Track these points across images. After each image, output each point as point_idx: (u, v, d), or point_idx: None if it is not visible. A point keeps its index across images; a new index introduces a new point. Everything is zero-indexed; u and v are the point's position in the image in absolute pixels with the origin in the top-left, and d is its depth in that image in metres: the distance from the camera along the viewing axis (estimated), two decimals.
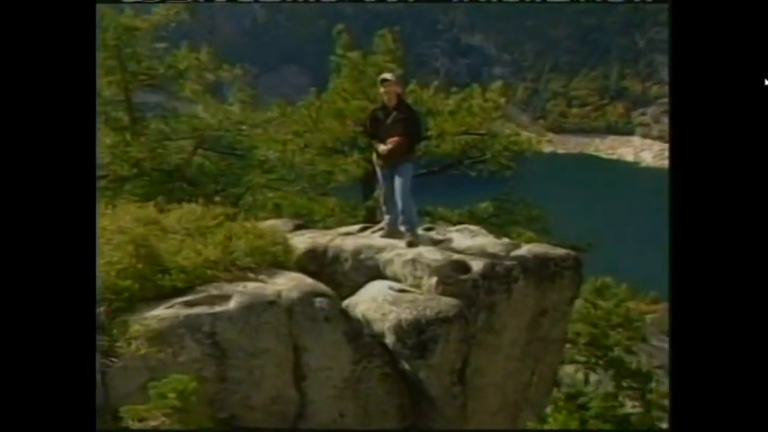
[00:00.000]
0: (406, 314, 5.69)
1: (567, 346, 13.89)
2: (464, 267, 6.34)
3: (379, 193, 7.67)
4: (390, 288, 6.13)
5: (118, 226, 5.63)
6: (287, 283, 5.73)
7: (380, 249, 6.77)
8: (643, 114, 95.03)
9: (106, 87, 11.84)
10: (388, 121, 6.90)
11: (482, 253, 6.65)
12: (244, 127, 14.03)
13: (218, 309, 5.21)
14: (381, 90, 7.01)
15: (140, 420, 4.31)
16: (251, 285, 5.62)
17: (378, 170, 7.28)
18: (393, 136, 6.81)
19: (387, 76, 7.11)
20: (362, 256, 6.78)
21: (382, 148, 6.94)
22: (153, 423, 4.22)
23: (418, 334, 5.63)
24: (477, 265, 6.35)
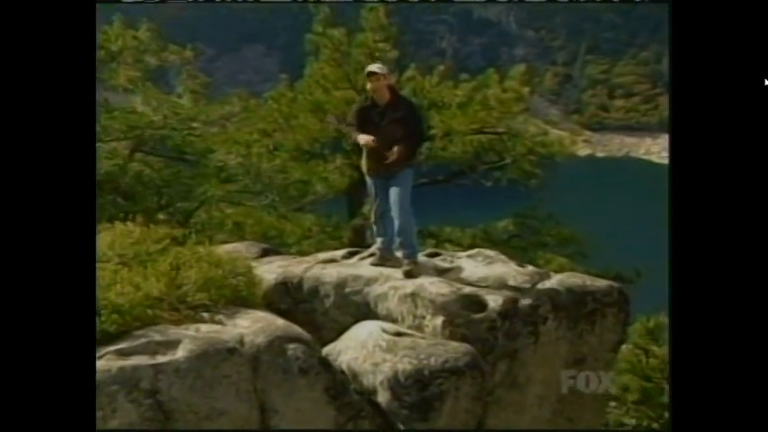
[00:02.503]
0: (405, 364, 5.69)
1: (612, 404, 13.88)
2: (478, 304, 6.36)
3: (370, 208, 7.70)
4: (384, 330, 6.14)
5: None
6: (251, 326, 5.73)
7: (371, 281, 6.79)
8: None
9: None
10: (383, 123, 6.90)
11: (501, 285, 6.68)
12: (195, 125, 14.10)
13: (161, 359, 5.19)
14: (368, 86, 7.05)
15: None
16: (204, 328, 5.61)
17: (367, 179, 7.30)
18: (390, 140, 6.82)
19: (374, 68, 7.06)
20: (348, 289, 6.78)
21: (363, 137, 6.86)
22: None
23: (420, 389, 5.63)
24: (494, 300, 6.37)
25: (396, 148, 6.80)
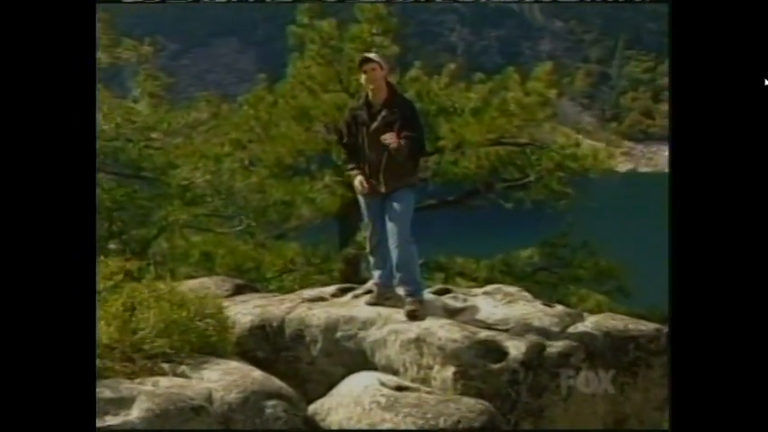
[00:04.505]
0: (408, 424, 5.67)
1: None
2: (496, 351, 6.37)
3: (364, 235, 7.70)
4: (383, 384, 6.13)
5: None
6: (222, 379, 5.72)
7: (367, 324, 6.80)
8: None
9: None
10: (374, 125, 6.92)
11: (524, 328, 6.68)
12: (155, 135, 14.12)
13: (111, 420, 5.17)
14: (362, 78, 7.03)
15: None
16: (165, 383, 5.60)
17: (359, 199, 7.31)
18: (381, 147, 6.84)
19: (369, 55, 7.18)
20: (339, 334, 6.79)
21: (359, 179, 7.00)
22: None
23: None
24: (516, 347, 6.38)
25: (392, 134, 6.76)
